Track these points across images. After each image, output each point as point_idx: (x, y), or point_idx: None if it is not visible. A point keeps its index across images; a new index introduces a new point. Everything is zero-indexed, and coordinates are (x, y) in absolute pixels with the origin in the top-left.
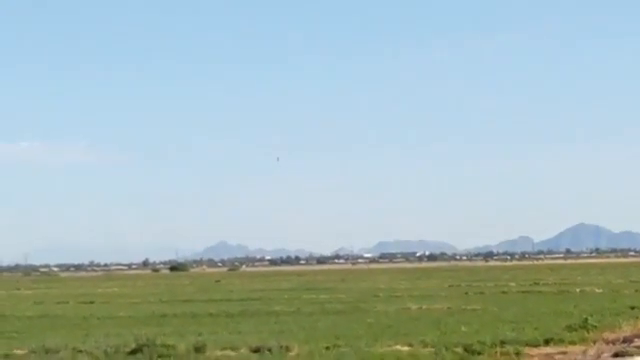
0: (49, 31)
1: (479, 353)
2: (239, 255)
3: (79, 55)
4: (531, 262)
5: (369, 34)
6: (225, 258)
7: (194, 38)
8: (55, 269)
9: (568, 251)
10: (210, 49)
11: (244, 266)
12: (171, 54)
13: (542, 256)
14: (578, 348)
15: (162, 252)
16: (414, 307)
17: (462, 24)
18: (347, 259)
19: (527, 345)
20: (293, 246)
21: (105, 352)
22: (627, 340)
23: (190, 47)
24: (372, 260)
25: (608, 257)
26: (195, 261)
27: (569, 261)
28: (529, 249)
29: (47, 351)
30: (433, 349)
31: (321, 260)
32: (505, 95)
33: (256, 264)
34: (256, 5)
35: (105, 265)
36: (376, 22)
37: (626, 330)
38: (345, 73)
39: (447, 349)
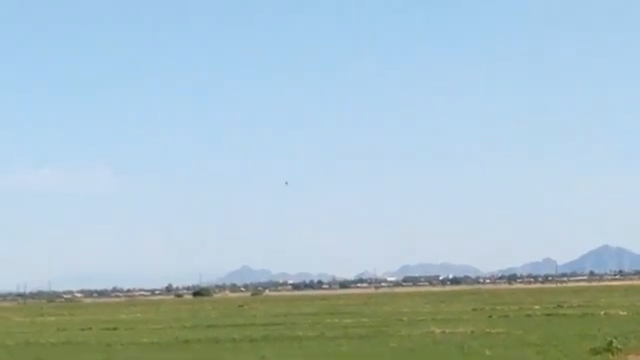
0: (71, 57)
1: None
2: (262, 280)
3: (100, 80)
4: (555, 285)
5: (404, 46)
6: (248, 283)
7: (217, 61)
8: (78, 295)
9: (592, 273)
10: (230, 71)
11: (267, 291)
12: (190, 78)
13: (566, 279)
14: None
15: (185, 277)
16: (438, 331)
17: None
18: (370, 283)
19: None
20: (316, 270)
21: None
22: None
23: (212, 71)
24: (395, 284)
25: (632, 279)
26: (218, 286)
27: (593, 283)
28: (553, 272)
29: None
30: None
31: (344, 284)
32: (529, 118)
33: (279, 289)
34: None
35: (128, 291)
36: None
37: None
38: (367, 97)
39: None
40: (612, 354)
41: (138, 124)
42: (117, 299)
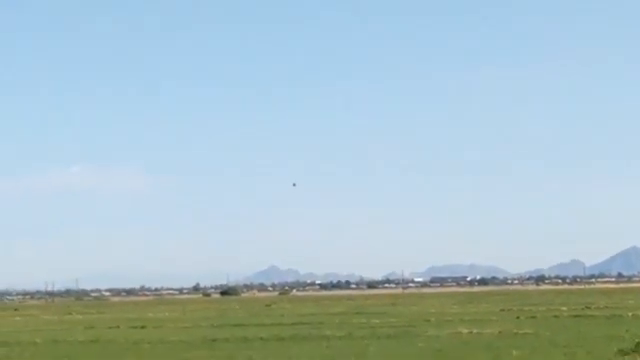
0: (99, 56)
1: None
2: (290, 279)
3: (130, 78)
4: (582, 286)
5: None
6: (276, 282)
7: (245, 62)
8: (106, 294)
9: (620, 275)
10: (260, 72)
11: (295, 290)
12: (222, 77)
13: (594, 280)
14: None
15: (213, 277)
16: (465, 331)
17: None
18: (398, 283)
19: None
20: (343, 270)
21: None
22: None
23: (244, 71)
24: (423, 284)
25: None
26: (246, 285)
27: (621, 285)
28: (581, 273)
29: None
30: None
31: (372, 284)
32: (555, 118)
33: (307, 288)
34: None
35: (156, 290)
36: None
37: None
38: (394, 96)
39: None
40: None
41: (170, 123)
42: (145, 298)
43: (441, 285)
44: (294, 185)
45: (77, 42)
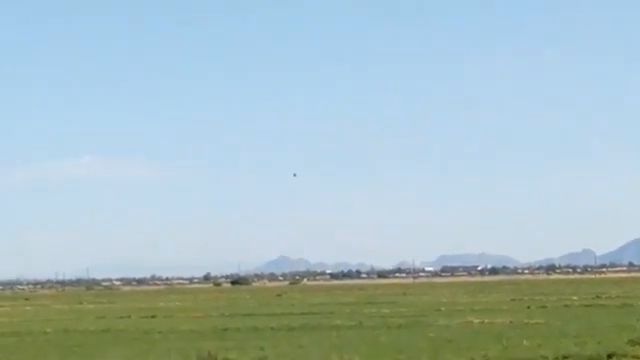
0: (106, 47)
1: None
2: (300, 269)
3: (136, 69)
4: (593, 275)
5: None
6: (286, 272)
7: (256, 52)
8: (117, 283)
9: (631, 264)
10: (266, 62)
11: (305, 280)
12: (229, 67)
13: (605, 269)
14: None
15: (224, 266)
16: (476, 321)
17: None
18: (408, 273)
19: (590, 359)
20: (354, 260)
21: None
22: None
23: (250, 62)
24: (433, 274)
25: None
26: (256, 275)
27: (632, 274)
28: (592, 262)
29: None
30: None
31: (382, 274)
32: (567, 107)
33: (317, 278)
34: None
35: (167, 279)
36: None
37: None
38: (407, 83)
39: None
40: None
41: (178, 112)
42: (156, 287)
43: (452, 275)
44: (294, 175)
45: (85, 37)
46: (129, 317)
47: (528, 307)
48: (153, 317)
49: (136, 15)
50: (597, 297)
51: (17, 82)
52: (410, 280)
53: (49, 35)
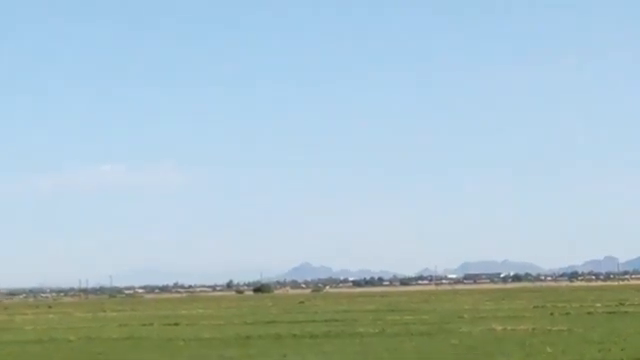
0: (131, 52)
1: None
2: (322, 276)
3: (161, 75)
4: (616, 282)
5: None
6: (309, 279)
7: (282, 55)
8: (140, 291)
9: None
10: (300, 64)
11: (328, 287)
12: (256, 71)
13: (628, 276)
14: None
15: (246, 274)
16: (499, 328)
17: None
18: (431, 280)
19: None
20: (377, 267)
21: None
22: None
23: (280, 64)
24: (456, 281)
25: None
26: (279, 282)
27: None
28: (614, 269)
29: None
30: None
31: (405, 281)
32: (590, 115)
33: (340, 285)
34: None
35: (190, 287)
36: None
37: None
38: (426, 89)
39: None
40: None
41: (201, 119)
42: (178, 295)
43: (474, 282)
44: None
45: (109, 42)
46: (152, 325)
47: (551, 314)
48: (176, 325)
49: (159, 20)
50: (620, 304)
51: (43, 87)
52: (433, 287)
53: (76, 38)
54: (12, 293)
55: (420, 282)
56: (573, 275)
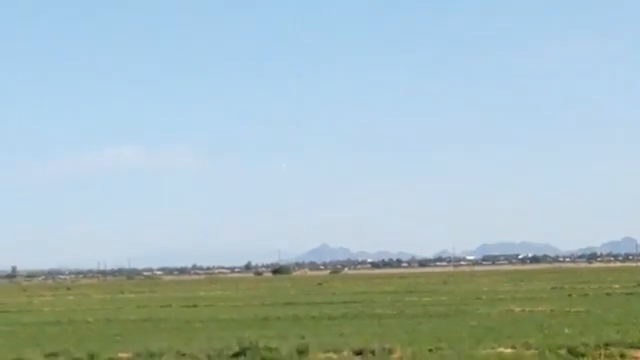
0: (146, 38)
1: (583, 355)
2: (341, 258)
3: (178, 60)
4: (635, 263)
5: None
6: (327, 261)
7: (295, 39)
8: (158, 273)
9: None
10: (309, 51)
11: (346, 269)
12: (270, 56)
13: None
14: None
15: (264, 255)
16: (517, 309)
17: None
18: (449, 262)
19: (631, 347)
20: (395, 249)
21: (208, 355)
22: None
23: (289, 49)
24: (474, 262)
25: None
26: (297, 264)
27: None
28: (633, 250)
29: (151, 355)
30: (536, 351)
31: (423, 263)
32: (605, 95)
33: (358, 267)
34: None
35: (208, 268)
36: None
37: None
38: (454, 71)
39: (550, 351)
40: None
41: (219, 102)
42: (197, 277)
43: (493, 263)
44: (283, 166)
45: (124, 28)
46: (170, 306)
47: (569, 295)
48: (194, 306)
49: (180, 10)
50: (638, 285)
51: (59, 72)
52: (451, 269)
53: (95, 27)
54: (31, 275)
55: (438, 264)
56: (591, 256)
